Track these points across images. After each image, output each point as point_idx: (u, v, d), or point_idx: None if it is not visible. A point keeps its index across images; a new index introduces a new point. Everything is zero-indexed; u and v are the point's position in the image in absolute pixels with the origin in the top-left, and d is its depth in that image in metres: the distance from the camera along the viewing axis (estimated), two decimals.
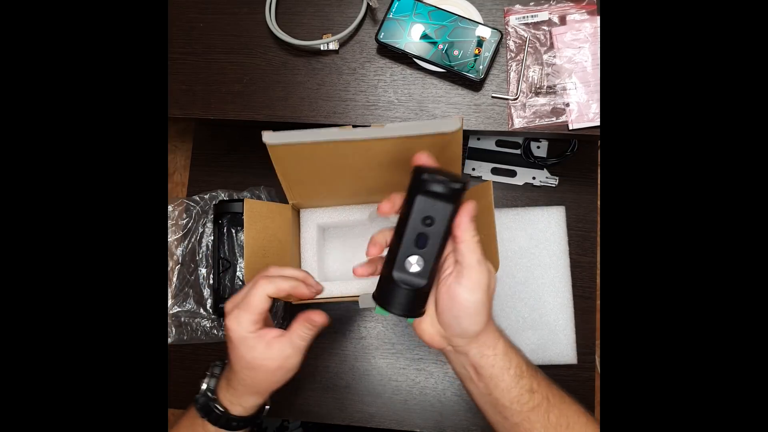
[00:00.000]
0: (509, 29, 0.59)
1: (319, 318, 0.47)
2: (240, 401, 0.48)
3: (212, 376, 0.50)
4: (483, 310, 0.42)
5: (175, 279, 0.72)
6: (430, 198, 0.40)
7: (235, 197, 0.72)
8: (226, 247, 0.70)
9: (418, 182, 0.41)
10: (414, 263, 0.41)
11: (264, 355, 0.45)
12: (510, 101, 0.58)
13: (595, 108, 0.57)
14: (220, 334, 0.71)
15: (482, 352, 0.44)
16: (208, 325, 0.71)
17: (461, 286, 0.41)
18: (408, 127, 0.51)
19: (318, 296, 0.63)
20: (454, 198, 0.40)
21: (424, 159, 0.42)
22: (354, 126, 0.50)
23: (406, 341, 0.71)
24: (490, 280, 0.42)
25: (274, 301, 0.47)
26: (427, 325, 0.44)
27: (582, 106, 0.57)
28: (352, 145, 0.52)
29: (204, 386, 0.49)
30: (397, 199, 0.43)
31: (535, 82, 0.58)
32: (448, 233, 0.41)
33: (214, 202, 0.72)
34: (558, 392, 0.46)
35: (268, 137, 0.53)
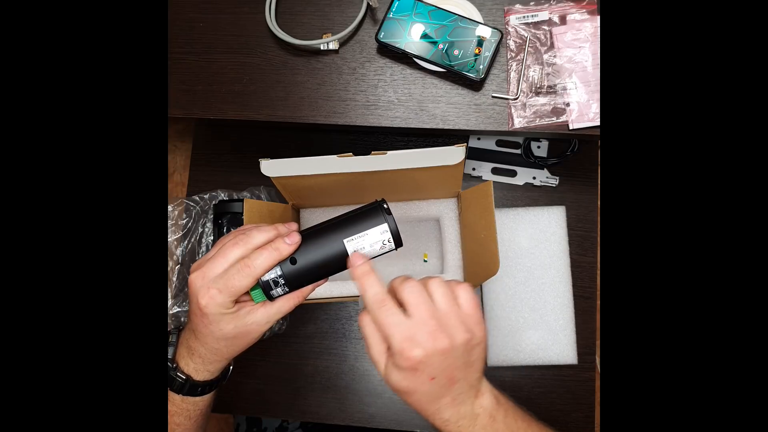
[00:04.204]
0: (509, 29, 0.59)
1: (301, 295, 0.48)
2: (207, 368, 0.48)
3: (170, 345, 0.50)
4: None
5: (175, 279, 0.72)
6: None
7: (235, 197, 0.72)
8: None
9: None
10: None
11: (243, 322, 0.45)
12: (510, 101, 0.58)
13: (595, 108, 0.57)
14: None
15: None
16: None
17: None
18: (410, 158, 0.51)
19: (319, 296, 0.63)
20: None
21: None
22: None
23: None
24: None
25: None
26: None
27: (582, 106, 0.57)
28: (353, 173, 0.52)
29: None
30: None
31: (536, 81, 0.58)
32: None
33: (214, 202, 0.72)
34: None
35: (267, 168, 0.53)
